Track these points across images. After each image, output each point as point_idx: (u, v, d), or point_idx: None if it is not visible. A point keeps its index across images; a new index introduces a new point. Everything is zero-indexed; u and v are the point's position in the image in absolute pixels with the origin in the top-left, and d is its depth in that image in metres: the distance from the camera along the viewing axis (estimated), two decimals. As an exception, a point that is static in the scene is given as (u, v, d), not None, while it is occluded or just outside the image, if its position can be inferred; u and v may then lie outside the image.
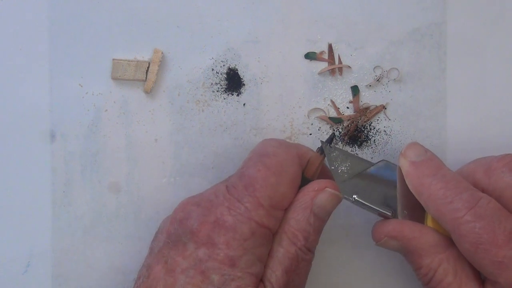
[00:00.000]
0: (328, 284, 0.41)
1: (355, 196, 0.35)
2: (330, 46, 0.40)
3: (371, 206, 0.35)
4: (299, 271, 0.33)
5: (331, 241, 0.41)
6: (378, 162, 0.37)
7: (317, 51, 0.40)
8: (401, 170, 0.34)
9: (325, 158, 0.36)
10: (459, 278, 0.32)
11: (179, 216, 0.33)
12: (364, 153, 0.40)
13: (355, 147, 0.40)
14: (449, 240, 0.33)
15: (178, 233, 0.32)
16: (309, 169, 0.36)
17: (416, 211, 0.35)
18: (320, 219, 0.34)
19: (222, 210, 0.31)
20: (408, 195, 0.34)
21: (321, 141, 0.37)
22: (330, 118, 0.40)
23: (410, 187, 0.34)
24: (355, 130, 0.40)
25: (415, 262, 0.34)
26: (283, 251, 0.32)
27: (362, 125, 0.40)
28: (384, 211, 0.35)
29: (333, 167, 0.36)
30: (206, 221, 0.31)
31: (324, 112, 0.41)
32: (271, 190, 0.32)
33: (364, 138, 0.40)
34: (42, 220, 0.40)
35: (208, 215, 0.32)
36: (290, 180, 0.33)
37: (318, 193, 0.33)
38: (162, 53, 0.40)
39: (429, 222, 0.34)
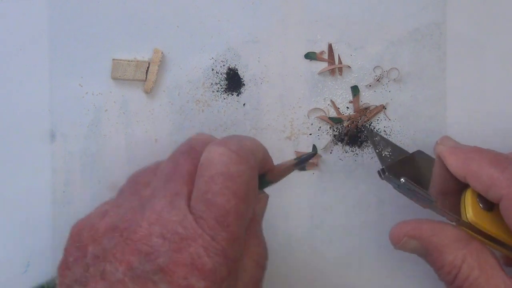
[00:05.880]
0: (328, 283, 0.41)
1: (403, 179, 0.34)
2: (330, 46, 0.40)
3: (419, 190, 0.34)
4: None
5: (331, 241, 0.41)
6: (414, 152, 0.37)
7: (317, 51, 0.40)
8: (438, 161, 0.35)
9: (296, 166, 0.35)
10: (485, 271, 0.32)
11: (144, 249, 0.28)
12: (364, 153, 0.40)
13: (355, 147, 0.40)
14: (469, 235, 0.33)
15: (145, 269, 0.28)
16: (275, 176, 0.34)
17: (451, 199, 0.35)
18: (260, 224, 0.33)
19: (198, 251, 0.28)
20: (444, 184, 0.34)
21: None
22: (330, 118, 0.40)
23: (454, 167, 0.33)
24: (355, 130, 0.40)
25: (437, 261, 0.33)
26: (249, 276, 0.31)
27: (362, 125, 0.40)
28: (429, 197, 0.34)
29: (377, 150, 0.36)
30: (181, 263, 0.28)
31: (324, 112, 0.41)
32: (242, 219, 0.29)
33: (364, 138, 0.40)
34: (42, 220, 0.40)
35: (180, 252, 0.28)
36: (254, 197, 0.31)
37: (257, 204, 0.32)
38: (162, 53, 0.40)
39: (469, 208, 0.33)
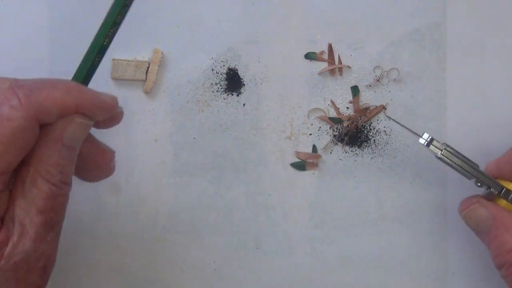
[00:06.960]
0: (328, 283, 0.41)
1: (446, 145, 0.35)
2: (330, 46, 0.40)
3: (463, 157, 0.35)
4: (56, 208, 0.32)
5: (331, 241, 0.41)
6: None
7: (317, 51, 0.40)
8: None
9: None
10: None
11: None
12: (364, 153, 0.40)
13: (355, 147, 0.40)
14: None
15: None
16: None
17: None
18: (72, 149, 0.32)
19: None
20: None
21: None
22: (330, 118, 0.40)
23: None
24: (355, 130, 0.40)
25: (499, 237, 0.34)
26: (36, 191, 0.31)
27: (362, 125, 0.40)
28: (473, 163, 0.35)
29: (407, 128, 0.37)
30: None
31: (324, 112, 0.41)
32: None
33: (364, 138, 0.40)
34: (42, 220, 0.40)
35: None
36: (18, 147, 0.30)
37: (67, 125, 0.31)
38: (162, 53, 0.40)
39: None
